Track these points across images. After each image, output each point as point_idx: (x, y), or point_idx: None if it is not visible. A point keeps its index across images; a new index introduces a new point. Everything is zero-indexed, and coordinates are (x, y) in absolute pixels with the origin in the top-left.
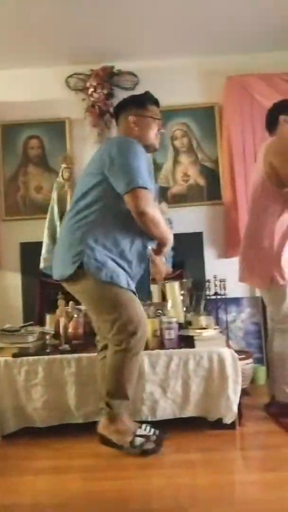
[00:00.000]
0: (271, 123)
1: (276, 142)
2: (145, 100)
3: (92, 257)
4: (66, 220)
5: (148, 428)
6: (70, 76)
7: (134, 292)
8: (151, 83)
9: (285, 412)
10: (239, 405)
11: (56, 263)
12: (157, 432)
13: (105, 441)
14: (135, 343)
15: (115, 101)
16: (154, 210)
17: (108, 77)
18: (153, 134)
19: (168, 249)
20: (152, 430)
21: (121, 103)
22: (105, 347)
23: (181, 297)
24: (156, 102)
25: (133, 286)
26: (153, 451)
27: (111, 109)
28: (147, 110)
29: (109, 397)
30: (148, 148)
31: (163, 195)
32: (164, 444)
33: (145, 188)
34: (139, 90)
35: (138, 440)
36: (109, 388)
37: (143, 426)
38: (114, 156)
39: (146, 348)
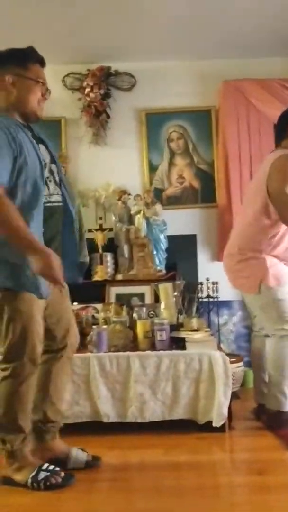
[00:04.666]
0: (281, 133)
1: (281, 158)
2: (26, 57)
3: None
4: None
5: (52, 466)
6: (67, 75)
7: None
8: (148, 84)
9: (276, 422)
10: (229, 408)
11: None
12: (62, 473)
13: (7, 482)
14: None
15: (112, 102)
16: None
17: (105, 77)
18: (35, 100)
19: (49, 265)
20: (58, 469)
21: None
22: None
23: (174, 299)
24: (40, 61)
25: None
26: (58, 486)
27: (107, 109)
28: (28, 70)
29: (3, 432)
30: (29, 116)
31: (158, 196)
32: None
33: None
34: (136, 91)
35: (42, 474)
36: (1, 421)
37: (46, 464)
38: None
39: (137, 349)
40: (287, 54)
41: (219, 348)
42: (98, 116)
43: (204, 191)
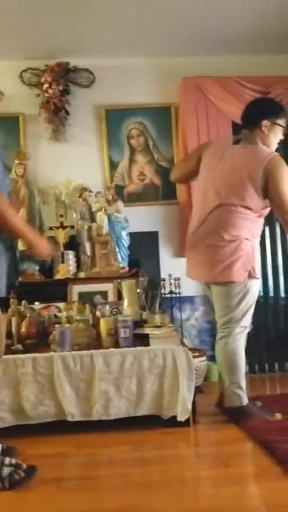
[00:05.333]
0: (251, 123)
1: (277, 163)
2: None
3: None
4: None
5: (14, 460)
6: (25, 70)
7: None
8: (107, 81)
9: (239, 417)
10: (193, 402)
11: None
12: (24, 465)
13: None
14: None
15: (71, 98)
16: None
17: (64, 73)
18: None
19: (37, 247)
20: (19, 462)
21: None
22: None
23: (137, 296)
24: None
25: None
26: (23, 482)
27: (67, 106)
28: None
29: None
30: None
31: (119, 193)
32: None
33: None
34: (95, 88)
35: (6, 470)
36: None
37: (7, 459)
38: None
39: (101, 347)
40: (244, 52)
41: (182, 343)
42: (57, 112)
43: (165, 188)
